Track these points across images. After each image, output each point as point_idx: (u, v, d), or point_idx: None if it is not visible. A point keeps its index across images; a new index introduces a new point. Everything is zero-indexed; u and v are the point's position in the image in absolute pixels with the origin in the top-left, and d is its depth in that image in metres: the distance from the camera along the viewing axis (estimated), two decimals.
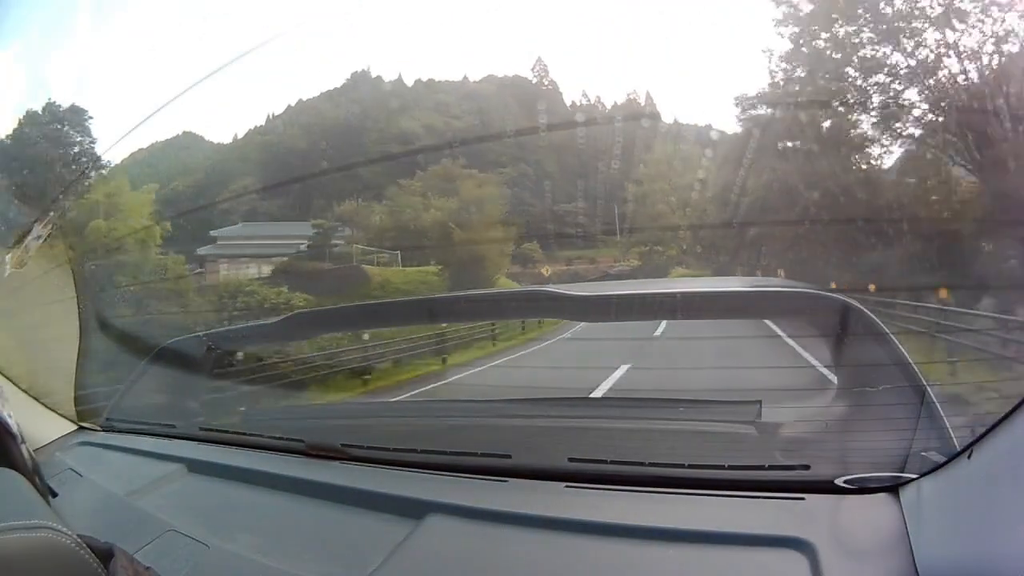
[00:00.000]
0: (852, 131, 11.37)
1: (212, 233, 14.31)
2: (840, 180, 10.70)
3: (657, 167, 14.82)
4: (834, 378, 1.43)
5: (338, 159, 16.97)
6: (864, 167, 11.24)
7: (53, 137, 12.32)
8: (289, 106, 18.91)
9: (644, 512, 1.08)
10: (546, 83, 18.78)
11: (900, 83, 10.25)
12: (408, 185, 14.47)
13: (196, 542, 1.21)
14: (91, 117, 12.76)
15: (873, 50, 10.37)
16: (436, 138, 17.09)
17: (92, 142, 12.99)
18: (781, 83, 11.99)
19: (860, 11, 10.57)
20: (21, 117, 11.94)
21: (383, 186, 15.11)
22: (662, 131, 15.72)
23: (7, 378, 1.92)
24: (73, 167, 12.44)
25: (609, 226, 15.11)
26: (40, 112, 12.37)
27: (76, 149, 12.68)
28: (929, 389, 1.11)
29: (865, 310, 1.27)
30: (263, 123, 18.63)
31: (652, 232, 15.01)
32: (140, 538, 1.22)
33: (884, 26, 10.24)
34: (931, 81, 9.97)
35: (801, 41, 11.35)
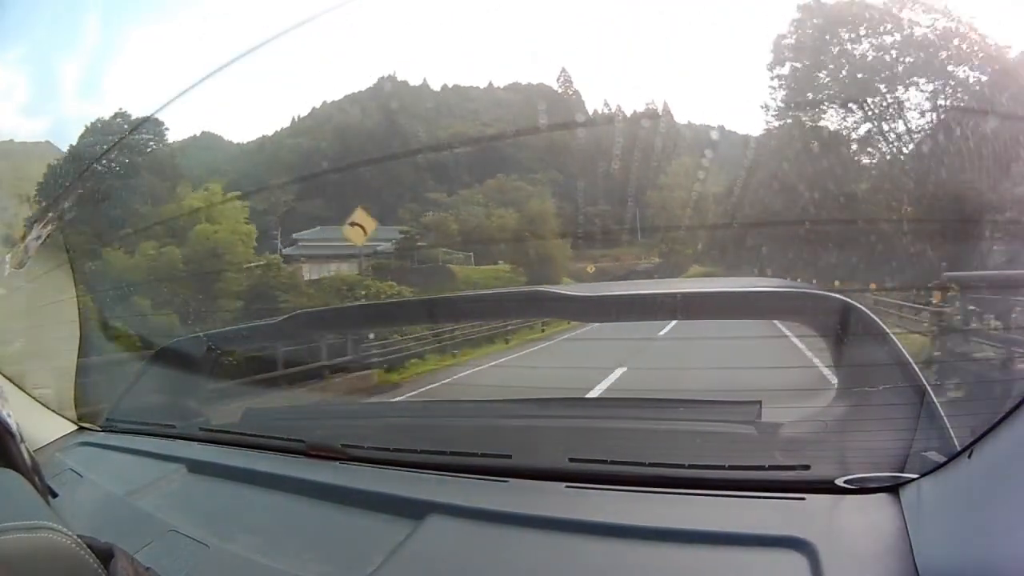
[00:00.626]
0: (853, 137, 11.58)
1: (294, 236, 15.83)
2: (840, 182, 10.86)
3: (675, 174, 15.60)
4: (835, 378, 1.43)
5: (369, 162, 17.58)
6: (872, 171, 11.44)
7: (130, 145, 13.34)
8: (314, 108, 19.74)
9: (644, 512, 1.08)
10: (571, 92, 19.22)
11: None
12: (469, 196, 16.58)
13: (196, 542, 1.21)
14: (168, 128, 13.91)
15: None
16: (471, 145, 17.75)
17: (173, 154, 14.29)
18: (791, 95, 12.25)
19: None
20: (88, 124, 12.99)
21: (420, 190, 16.68)
22: (682, 138, 16.40)
23: (7, 378, 1.92)
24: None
25: (632, 227, 16.29)
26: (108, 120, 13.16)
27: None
28: (929, 389, 1.11)
29: (865, 310, 1.27)
30: (289, 125, 19.32)
31: (672, 232, 16.17)
32: (140, 538, 1.22)
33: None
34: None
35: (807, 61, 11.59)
